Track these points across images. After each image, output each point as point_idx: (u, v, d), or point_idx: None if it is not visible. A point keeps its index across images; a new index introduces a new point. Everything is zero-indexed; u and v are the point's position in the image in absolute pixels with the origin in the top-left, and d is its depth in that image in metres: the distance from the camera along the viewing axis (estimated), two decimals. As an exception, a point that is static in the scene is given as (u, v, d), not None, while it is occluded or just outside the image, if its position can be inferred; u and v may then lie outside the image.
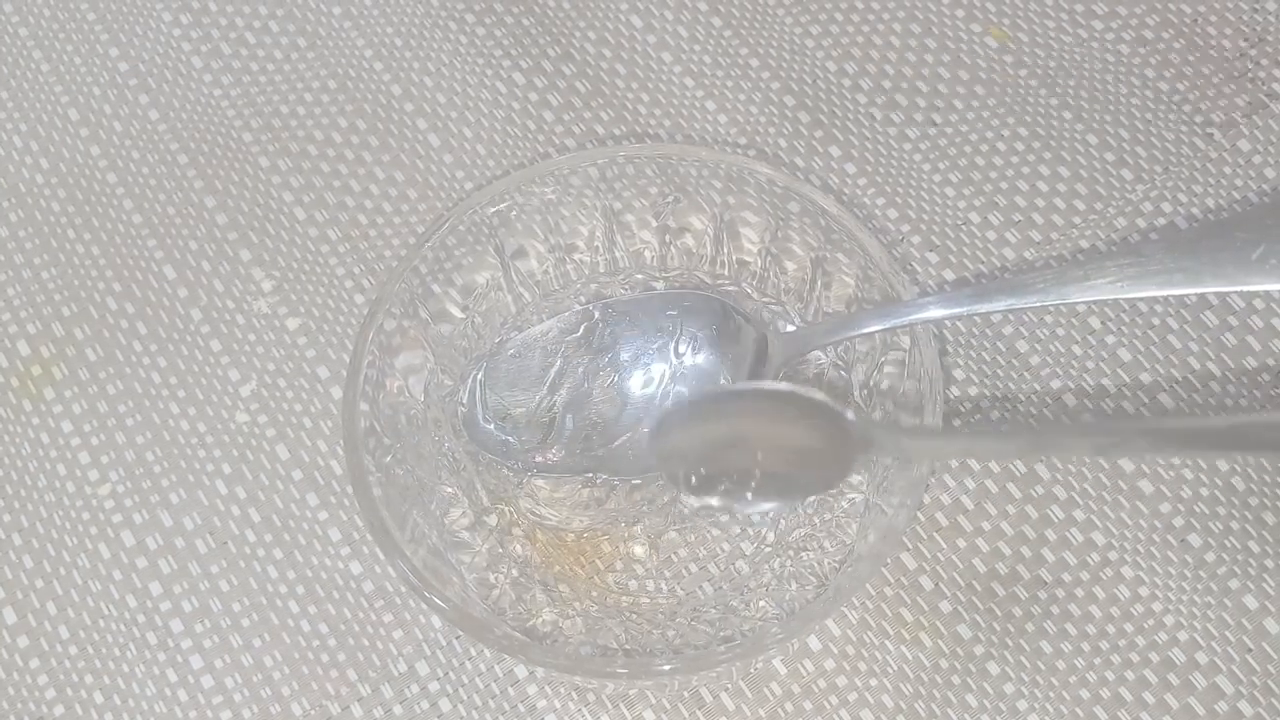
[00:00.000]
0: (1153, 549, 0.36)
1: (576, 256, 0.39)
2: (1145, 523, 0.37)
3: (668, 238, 0.39)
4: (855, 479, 0.36)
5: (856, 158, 0.42)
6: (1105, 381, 0.39)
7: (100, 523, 0.38)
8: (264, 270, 0.41)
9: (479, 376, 0.37)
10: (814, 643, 0.36)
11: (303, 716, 0.36)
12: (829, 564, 0.35)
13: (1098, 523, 0.37)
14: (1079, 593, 0.36)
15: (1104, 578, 0.36)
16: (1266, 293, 0.39)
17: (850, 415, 0.28)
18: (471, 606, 0.34)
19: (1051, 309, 0.39)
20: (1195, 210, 0.41)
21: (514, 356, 0.37)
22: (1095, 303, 0.39)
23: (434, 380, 0.37)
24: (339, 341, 0.40)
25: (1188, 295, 0.40)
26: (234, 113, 0.44)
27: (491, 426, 0.36)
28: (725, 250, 0.38)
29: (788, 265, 0.38)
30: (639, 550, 0.36)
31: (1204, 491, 0.37)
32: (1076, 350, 0.39)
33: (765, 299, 0.38)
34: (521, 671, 0.36)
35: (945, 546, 0.37)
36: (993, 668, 0.35)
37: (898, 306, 0.34)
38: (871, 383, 0.36)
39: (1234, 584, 0.36)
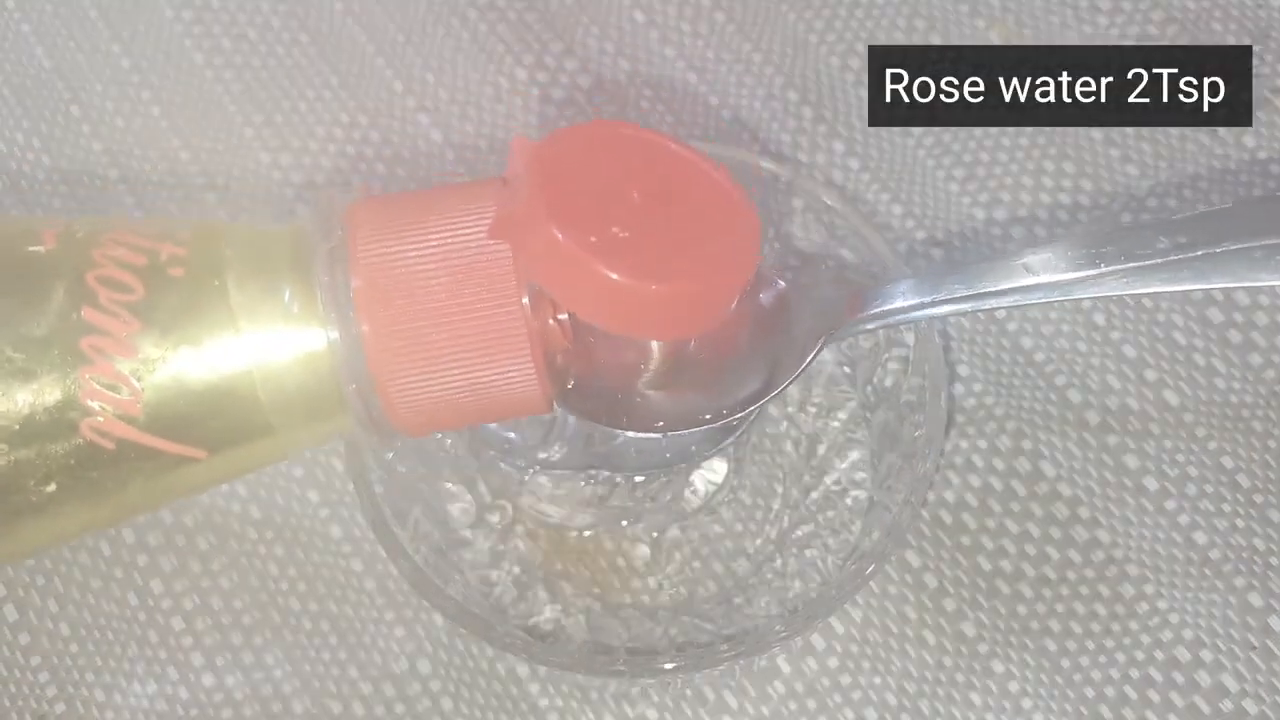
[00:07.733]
0: (1158, 546, 0.36)
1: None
2: (1150, 520, 0.37)
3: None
4: (860, 475, 0.36)
5: (860, 153, 0.42)
6: (1110, 378, 0.38)
7: (101, 520, 0.38)
8: (266, 267, 0.41)
9: (481, 373, 0.37)
10: (817, 641, 0.36)
11: (304, 714, 0.35)
12: (832, 562, 0.35)
13: (1102, 520, 0.37)
14: (1084, 590, 0.36)
15: (1109, 575, 0.36)
16: (1272, 288, 0.39)
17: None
18: (473, 604, 0.34)
19: (1056, 305, 0.39)
20: (1200, 206, 0.41)
21: (516, 353, 0.37)
22: (1100, 298, 0.39)
23: (436, 377, 0.37)
24: (341, 338, 0.40)
25: (1193, 291, 0.39)
26: (235, 109, 0.44)
27: (493, 423, 0.36)
28: (728, 246, 0.38)
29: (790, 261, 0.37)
30: (641, 548, 0.36)
31: (1209, 489, 0.37)
32: (1081, 346, 0.39)
33: (768, 296, 0.38)
34: (523, 670, 0.36)
35: (949, 544, 0.37)
36: (997, 666, 0.35)
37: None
38: (874, 380, 0.36)
39: (1239, 581, 0.36)
